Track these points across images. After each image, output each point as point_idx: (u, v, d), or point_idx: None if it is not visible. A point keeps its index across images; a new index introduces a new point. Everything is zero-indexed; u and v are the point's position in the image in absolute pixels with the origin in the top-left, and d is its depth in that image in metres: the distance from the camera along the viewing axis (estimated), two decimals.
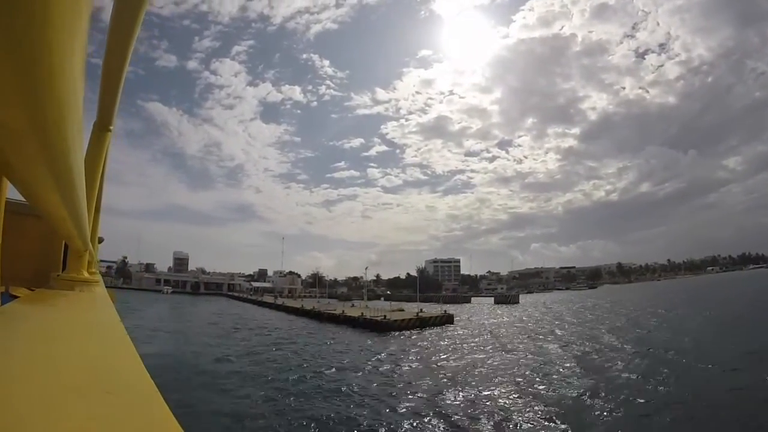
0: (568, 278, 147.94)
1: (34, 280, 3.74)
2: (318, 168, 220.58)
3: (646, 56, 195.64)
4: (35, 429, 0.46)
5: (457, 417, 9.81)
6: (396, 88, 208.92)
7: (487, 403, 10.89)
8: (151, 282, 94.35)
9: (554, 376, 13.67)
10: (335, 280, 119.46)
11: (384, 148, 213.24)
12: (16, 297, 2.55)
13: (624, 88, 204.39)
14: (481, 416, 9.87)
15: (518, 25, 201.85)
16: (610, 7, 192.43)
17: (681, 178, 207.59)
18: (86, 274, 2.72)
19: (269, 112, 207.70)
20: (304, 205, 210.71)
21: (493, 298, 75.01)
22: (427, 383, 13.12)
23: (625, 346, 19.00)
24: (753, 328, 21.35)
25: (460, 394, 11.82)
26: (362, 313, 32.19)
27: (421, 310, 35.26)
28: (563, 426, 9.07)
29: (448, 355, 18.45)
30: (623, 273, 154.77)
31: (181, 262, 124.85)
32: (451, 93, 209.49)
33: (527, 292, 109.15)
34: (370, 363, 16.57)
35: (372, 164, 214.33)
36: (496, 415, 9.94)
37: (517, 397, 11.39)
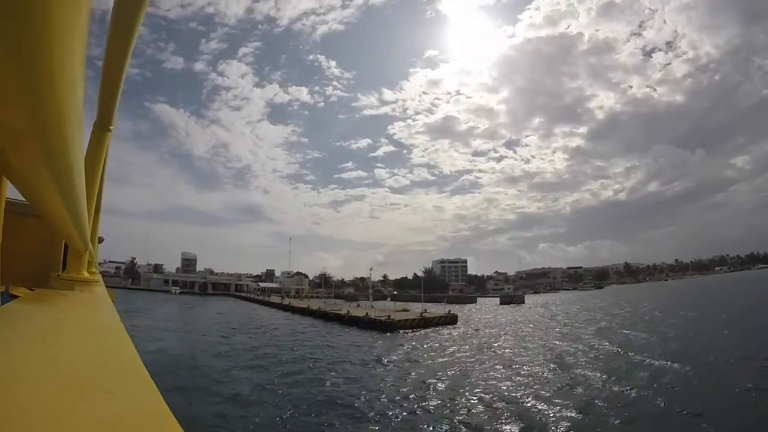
0: (575, 278, 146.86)
1: (34, 280, 3.74)
2: (325, 168, 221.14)
3: (653, 54, 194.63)
4: (35, 429, 0.46)
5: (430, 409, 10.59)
6: (403, 89, 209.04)
7: (447, 400, 11.36)
8: (160, 282, 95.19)
9: (521, 377, 13.84)
10: (342, 280, 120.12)
11: (391, 148, 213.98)
12: (16, 297, 2.55)
13: (631, 86, 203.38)
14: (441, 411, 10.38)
15: (524, 25, 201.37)
16: (616, 5, 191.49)
17: (689, 177, 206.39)
18: (86, 274, 2.72)
19: (276, 113, 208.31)
20: (311, 206, 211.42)
21: (498, 299, 75.13)
22: (418, 376, 13.98)
23: (599, 346, 19.15)
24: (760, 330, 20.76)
25: (439, 388, 12.64)
26: (367, 313, 32.43)
27: (425, 310, 35.54)
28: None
29: (444, 353, 19.05)
30: (631, 273, 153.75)
31: (189, 262, 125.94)
32: (458, 93, 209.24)
33: (534, 293, 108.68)
34: (366, 358, 17.53)
35: (379, 164, 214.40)
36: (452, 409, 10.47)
37: (478, 394, 11.90)
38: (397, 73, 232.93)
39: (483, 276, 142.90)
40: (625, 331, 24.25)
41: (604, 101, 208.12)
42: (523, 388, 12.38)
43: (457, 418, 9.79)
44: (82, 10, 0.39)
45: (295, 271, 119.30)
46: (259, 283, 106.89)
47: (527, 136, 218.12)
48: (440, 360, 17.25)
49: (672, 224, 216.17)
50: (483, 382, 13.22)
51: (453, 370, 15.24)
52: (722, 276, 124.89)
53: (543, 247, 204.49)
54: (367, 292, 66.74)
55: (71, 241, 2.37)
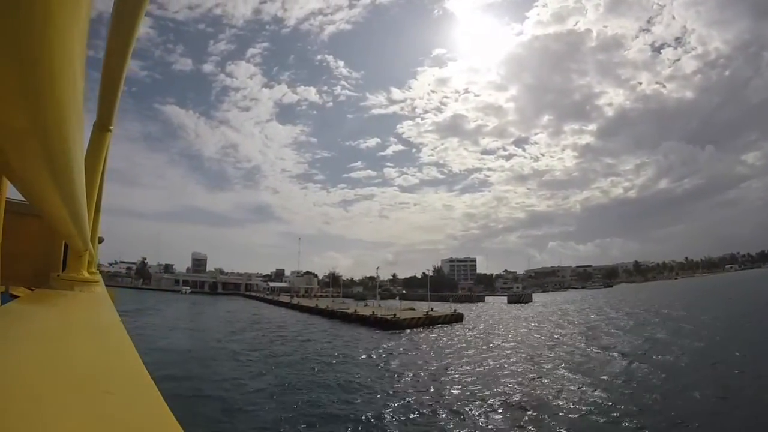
0: (584, 277, 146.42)
1: (34, 280, 3.74)
2: (335, 168, 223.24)
3: (662, 50, 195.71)
4: (35, 429, 0.46)
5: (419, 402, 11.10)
6: (411, 88, 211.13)
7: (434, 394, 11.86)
8: (170, 282, 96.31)
9: (505, 376, 14.07)
10: (352, 279, 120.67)
11: (400, 147, 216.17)
12: (16, 297, 2.55)
13: (641, 83, 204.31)
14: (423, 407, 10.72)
15: (532, 22, 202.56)
16: (624, 1, 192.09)
17: (699, 174, 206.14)
18: (86, 274, 2.72)
19: (285, 114, 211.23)
20: (321, 206, 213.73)
21: (506, 298, 75.30)
22: (413, 372, 14.66)
23: (583, 346, 19.36)
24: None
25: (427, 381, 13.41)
26: (373, 312, 32.74)
27: (431, 309, 35.86)
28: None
29: (443, 350, 19.71)
30: (640, 272, 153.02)
31: (199, 262, 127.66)
32: (467, 91, 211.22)
33: (542, 291, 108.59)
34: (366, 353, 18.52)
35: (388, 164, 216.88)
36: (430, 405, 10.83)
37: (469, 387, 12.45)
38: (405, 72, 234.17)
39: (492, 275, 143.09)
40: (613, 331, 24.41)
41: (613, 98, 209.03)
42: (493, 382, 12.89)
43: (428, 411, 10.24)
44: (82, 10, 0.39)
45: (304, 271, 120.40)
46: (269, 283, 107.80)
47: (536, 134, 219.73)
48: (436, 356, 17.98)
49: (682, 222, 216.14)
50: (471, 377, 13.84)
51: (448, 365, 15.84)
52: (733, 274, 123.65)
53: (553, 245, 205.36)
54: (375, 291, 67.38)
55: (71, 241, 2.37)
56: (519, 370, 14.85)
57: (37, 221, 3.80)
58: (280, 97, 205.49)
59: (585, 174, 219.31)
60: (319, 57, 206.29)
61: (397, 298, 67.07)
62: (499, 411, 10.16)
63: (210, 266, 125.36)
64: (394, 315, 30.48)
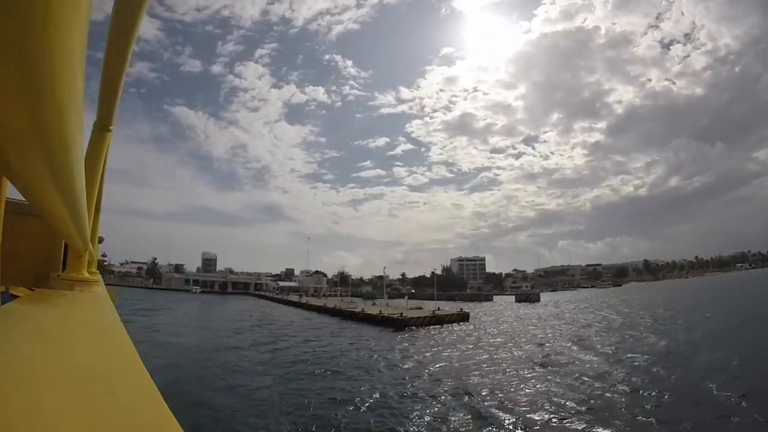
0: (594, 276, 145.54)
1: (34, 280, 3.74)
2: (344, 168, 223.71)
3: (671, 47, 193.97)
4: (36, 428, 0.46)
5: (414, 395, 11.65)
6: (420, 87, 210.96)
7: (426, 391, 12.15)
8: (181, 282, 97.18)
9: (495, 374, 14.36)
10: (361, 279, 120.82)
11: (409, 146, 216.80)
12: (16, 297, 2.55)
13: (650, 80, 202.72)
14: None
15: (540, 20, 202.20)
16: None
17: (710, 171, 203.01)
18: (86, 274, 2.72)
19: (294, 114, 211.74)
20: (330, 205, 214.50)
21: (514, 297, 75.30)
22: (406, 367, 15.41)
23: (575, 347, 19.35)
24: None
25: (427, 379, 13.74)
26: (380, 311, 32.98)
27: (438, 308, 36.06)
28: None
29: (441, 349, 19.96)
30: (650, 271, 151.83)
31: (209, 262, 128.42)
32: (475, 90, 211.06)
33: (551, 290, 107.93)
34: (367, 350, 19.07)
35: (398, 163, 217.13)
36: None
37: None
38: (413, 71, 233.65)
39: (501, 274, 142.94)
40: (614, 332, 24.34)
41: (622, 95, 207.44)
42: (487, 382, 13.01)
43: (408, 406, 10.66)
44: (82, 10, 0.39)
45: (314, 270, 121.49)
46: (279, 282, 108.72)
47: (546, 132, 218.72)
48: (435, 353, 18.45)
49: (693, 220, 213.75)
50: (465, 373, 14.25)
51: (444, 362, 16.39)
52: (743, 273, 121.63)
53: (563, 244, 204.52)
54: (383, 290, 67.85)
55: (71, 241, 2.37)
56: (501, 368, 15.20)
57: (37, 221, 3.80)
58: (288, 98, 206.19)
59: (595, 172, 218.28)
60: (327, 57, 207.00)
61: (406, 297, 67.49)
62: (466, 407, 10.45)
63: (220, 266, 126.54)
64: (401, 314, 30.66)
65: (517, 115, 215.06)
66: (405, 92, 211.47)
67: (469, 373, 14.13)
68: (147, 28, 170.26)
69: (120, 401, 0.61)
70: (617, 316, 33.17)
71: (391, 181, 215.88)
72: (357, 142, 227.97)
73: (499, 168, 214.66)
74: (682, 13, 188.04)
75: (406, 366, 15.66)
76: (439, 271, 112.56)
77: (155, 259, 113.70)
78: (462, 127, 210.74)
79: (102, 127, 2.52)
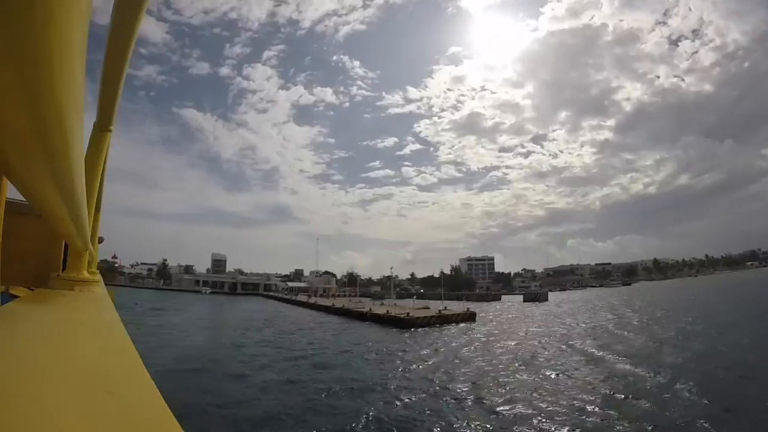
0: (603, 275, 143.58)
1: (34, 280, 3.74)
2: (353, 168, 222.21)
3: (679, 43, 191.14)
4: (35, 429, 0.46)
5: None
6: (427, 86, 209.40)
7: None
8: (191, 283, 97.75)
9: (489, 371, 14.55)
10: (370, 279, 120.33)
11: (418, 146, 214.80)
12: (16, 297, 2.55)
13: (658, 76, 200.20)
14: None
15: (547, 17, 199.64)
16: None
17: (720, 169, 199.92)
18: (86, 274, 2.72)
19: (302, 115, 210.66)
20: (339, 205, 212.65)
21: (522, 296, 75.04)
22: (405, 366, 15.50)
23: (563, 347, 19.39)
24: None
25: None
26: (387, 311, 33.11)
27: (445, 308, 36.13)
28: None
29: (444, 347, 20.22)
30: (659, 269, 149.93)
31: (219, 263, 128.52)
32: (483, 89, 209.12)
33: (560, 290, 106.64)
34: (368, 348, 19.59)
35: (406, 163, 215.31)
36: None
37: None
38: (420, 71, 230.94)
39: (510, 273, 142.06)
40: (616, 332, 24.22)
41: (631, 92, 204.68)
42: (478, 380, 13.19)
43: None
44: (82, 10, 0.39)
45: (323, 271, 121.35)
46: (288, 283, 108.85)
47: (554, 131, 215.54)
48: (434, 351, 18.84)
49: (703, 218, 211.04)
50: (460, 372, 14.47)
51: (444, 358, 16.89)
52: (754, 272, 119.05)
53: (572, 243, 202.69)
54: (394, 290, 67.80)
55: (71, 241, 2.37)
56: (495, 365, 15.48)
57: (37, 221, 3.80)
58: (296, 99, 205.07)
59: (604, 170, 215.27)
60: (334, 58, 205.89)
61: (414, 297, 67.51)
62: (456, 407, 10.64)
63: (230, 267, 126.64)
64: (407, 314, 30.88)
65: (525, 114, 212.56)
66: (413, 92, 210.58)
67: (462, 367, 15.00)
68: (155, 31, 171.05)
69: (120, 401, 0.61)
70: (612, 316, 33.23)
71: (399, 181, 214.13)
72: (365, 142, 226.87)
73: (507, 167, 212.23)
74: (690, 9, 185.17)
75: (404, 361, 16.16)
76: (447, 271, 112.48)
77: (165, 260, 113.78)
78: (470, 126, 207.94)
79: (102, 127, 2.52)
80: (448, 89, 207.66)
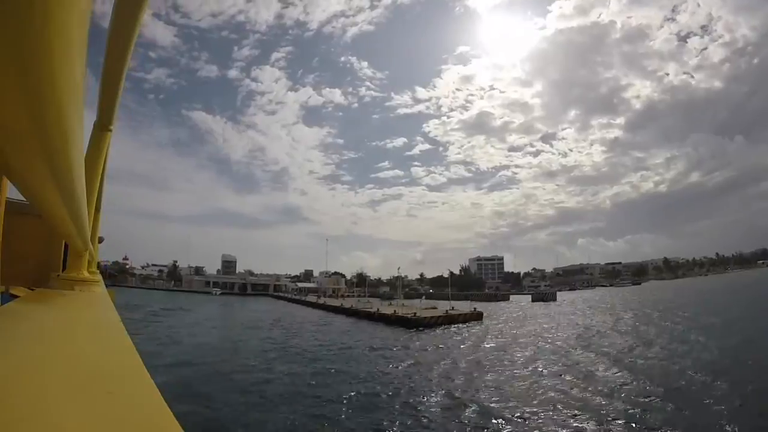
0: (613, 274, 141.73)
1: (34, 280, 3.74)
2: (362, 169, 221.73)
3: (688, 39, 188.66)
4: (35, 429, 0.46)
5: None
6: (436, 86, 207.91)
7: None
8: (201, 284, 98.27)
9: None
10: (379, 279, 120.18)
11: (427, 146, 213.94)
12: (16, 297, 2.55)
13: (668, 74, 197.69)
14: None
15: (555, 16, 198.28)
16: None
17: (731, 166, 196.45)
18: (86, 274, 2.72)
19: (311, 116, 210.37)
20: (349, 206, 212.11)
21: (530, 296, 74.69)
22: (405, 363, 16.00)
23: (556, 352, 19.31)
24: None
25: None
26: (395, 311, 33.30)
27: (452, 307, 36.25)
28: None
29: (446, 347, 20.56)
30: (670, 269, 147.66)
31: (229, 264, 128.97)
32: (492, 88, 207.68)
33: (570, 289, 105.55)
34: (370, 347, 20.03)
35: (416, 163, 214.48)
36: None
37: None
38: (429, 71, 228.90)
39: (519, 273, 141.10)
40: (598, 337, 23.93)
41: (640, 90, 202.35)
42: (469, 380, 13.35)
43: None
44: (82, 10, 0.39)
45: (332, 271, 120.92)
46: (297, 284, 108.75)
47: (563, 129, 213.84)
48: (440, 350, 19.25)
49: (714, 216, 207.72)
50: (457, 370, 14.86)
51: (448, 356, 17.25)
52: (765, 270, 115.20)
53: (582, 242, 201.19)
54: (403, 290, 68.03)
55: (71, 241, 2.37)
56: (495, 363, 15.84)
57: (37, 221, 3.80)
58: (305, 100, 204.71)
59: (614, 169, 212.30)
60: (342, 59, 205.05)
61: (423, 297, 67.23)
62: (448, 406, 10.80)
63: (240, 268, 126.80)
64: (414, 314, 31.04)
65: (535, 113, 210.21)
66: (421, 92, 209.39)
67: (460, 363, 15.77)
68: (164, 34, 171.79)
69: (120, 401, 0.61)
70: (610, 317, 33.19)
71: (409, 181, 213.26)
72: (374, 142, 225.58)
73: (517, 166, 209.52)
74: (698, 5, 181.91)
75: (408, 360, 16.48)
76: (457, 271, 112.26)
77: (176, 261, 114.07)
78: (479, 125, 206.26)
79: (102, 127, 2.52)
80: (457, 89, 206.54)
